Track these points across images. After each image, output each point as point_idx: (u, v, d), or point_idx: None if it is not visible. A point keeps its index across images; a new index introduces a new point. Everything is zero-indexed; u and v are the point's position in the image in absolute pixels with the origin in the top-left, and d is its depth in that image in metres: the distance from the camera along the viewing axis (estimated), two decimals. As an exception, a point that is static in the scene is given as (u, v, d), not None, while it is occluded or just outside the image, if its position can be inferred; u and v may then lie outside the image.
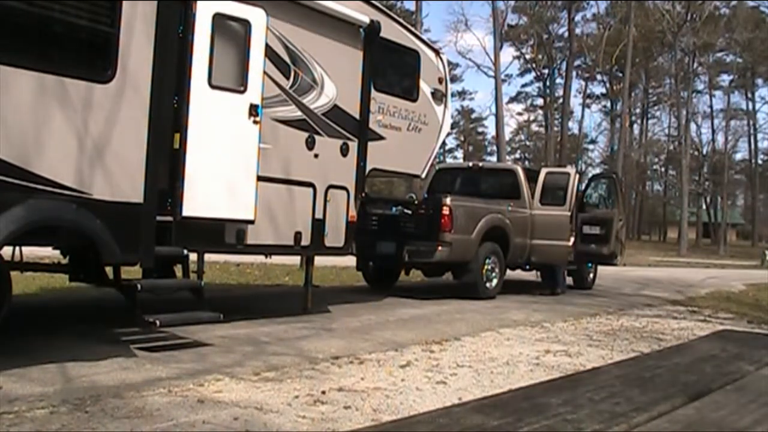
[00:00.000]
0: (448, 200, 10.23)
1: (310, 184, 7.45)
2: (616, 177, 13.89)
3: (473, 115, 70.64)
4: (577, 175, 12.58)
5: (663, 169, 67.86)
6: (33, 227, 4.81)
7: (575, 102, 68.20)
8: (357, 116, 8.03)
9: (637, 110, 62.65)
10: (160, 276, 6.11)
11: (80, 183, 5.08)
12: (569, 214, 11.92)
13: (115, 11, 5.28)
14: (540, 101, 61.65)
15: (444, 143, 44.38)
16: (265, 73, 6.61)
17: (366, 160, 8.15)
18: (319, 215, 7.53)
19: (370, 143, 8.19)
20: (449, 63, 10.70)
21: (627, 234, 19.31)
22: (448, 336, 7.13)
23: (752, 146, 61.58)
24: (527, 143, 73.13)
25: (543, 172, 12.70)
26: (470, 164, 14.04)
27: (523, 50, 58.09)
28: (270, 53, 6.76)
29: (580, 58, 54.05)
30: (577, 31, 51.44)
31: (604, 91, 62.37)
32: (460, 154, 70.71)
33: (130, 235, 5.42)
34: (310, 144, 7.42)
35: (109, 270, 5.77)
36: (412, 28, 9.53)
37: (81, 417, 3.78)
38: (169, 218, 5.97)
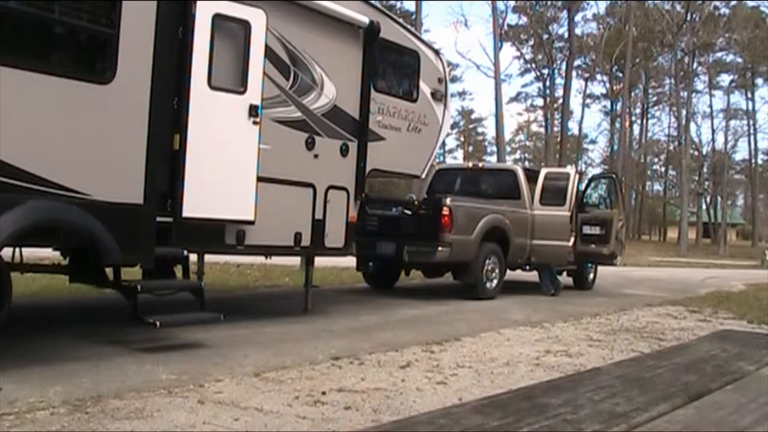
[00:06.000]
0: (448, 201, 10.22)
1: (310, 185, 7.45)
2: (616, 177, 13.89)
3: (473, 116, 70.67)
4: (578, 175, 12.56)
5: (663, 169, 67.84)
6: (33, 228, 4.82)
7: (575, 102, 68.30)
8: (357, 117, 8.04)
9: (637, 110, 62.59)
10: (161, 277, 6.11)
11: (80, 184, 5.08)
12: (569, 214, 11.92)
13: (114, 12, 5.28)
14: (540, 101, 61.63)
15: (444, 143, 44.48)
16: (264, 73, 6.62)
17: (366, 160, 8.15)
18: (319, 216, 7.53)
19: (369, 144, 8.19)
20: (449, 63, 10.70)
21: (627, 234, 19.31)
22: (448, 336, 7.13)
23: (752, 146, 61.51)
24: (527, 143, 73.15)
25: (543, 172, 12.71)
26: (470, 164, 14.04)
27: (523, 50, 58.08)
28: (270, 54, 6.76)
29: (580, 58, 54.03)
30: (577, 31, 51.44)
31: (604, 91, 62.37)
32: (460, 154, 70.75)
33: (130, 235, 5.43)
34: (309, 144, 7.42)
35: (109, 271, 5.77)
36: (412, 29, 9.54)
37: (81, 418, 3.78)
38: (169, 219, 5.97)
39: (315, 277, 8.62)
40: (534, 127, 69.28)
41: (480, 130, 72.10)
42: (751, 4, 49.55)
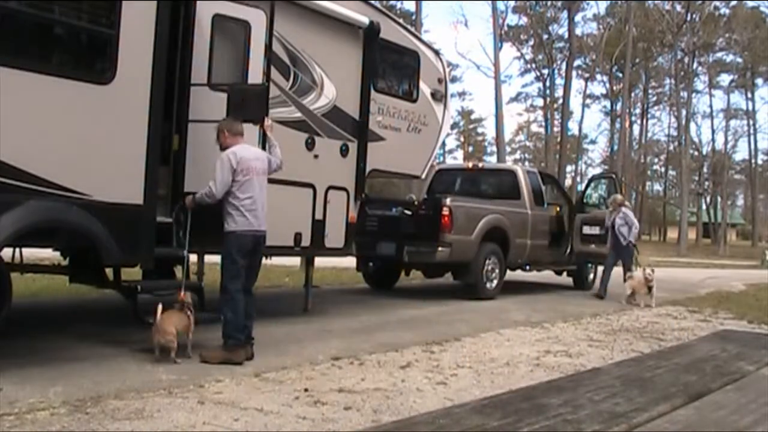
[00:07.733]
0: (448, 201, 10.22)
1: (310, 185, 7.45)
2: (616, 177, 13.88)
3: (473, 116, 70.56)
4: (527, 173, 12.48)
5: (663, 169, 67.81)
6: (33, 229, 4.82)
7: (575, 102, 68.28)
8: (357, 117, 8.03)
9: (637, 110, 62.54)
10: (160, 277, 6.11)
11: (80, 185, 5.07)
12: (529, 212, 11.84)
13: (114, 12, 5.28)
14: (540, 101, 61.59)
15: (444, 143, 44.43)
16: (264, 74, 6.61)
17: (366, 160, 8.15)
18: (319, 216, 7.53)
19: (369, 144, 8.19)
20: (449, 63, 10.70)
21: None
22: (448, 336, 7.13)
23: (752, 146, 61.47)
24: (527, 143, 73.10)
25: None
26: (470, 165, 14.04)
27: (523, 50, 58.05)
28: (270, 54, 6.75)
29: (580, 58, 54.00)
30: (577, 31, 51.42)
31: (604, 91, 62.32)
32: (460, 154, 70.67)
33: (130, 236, 5.42)
34: (309, 145, 7.42)
35: (109, 271, 5.78)
36: (412, 29, 9.54)
37: (81, 418, 3.78)
38: (169, 219, 5.97)
39: (315, 277, 8.62)
40: (534, 128, 69.27)
41: (480, 130, 72.06)
42: (751, 4, 49.66)
